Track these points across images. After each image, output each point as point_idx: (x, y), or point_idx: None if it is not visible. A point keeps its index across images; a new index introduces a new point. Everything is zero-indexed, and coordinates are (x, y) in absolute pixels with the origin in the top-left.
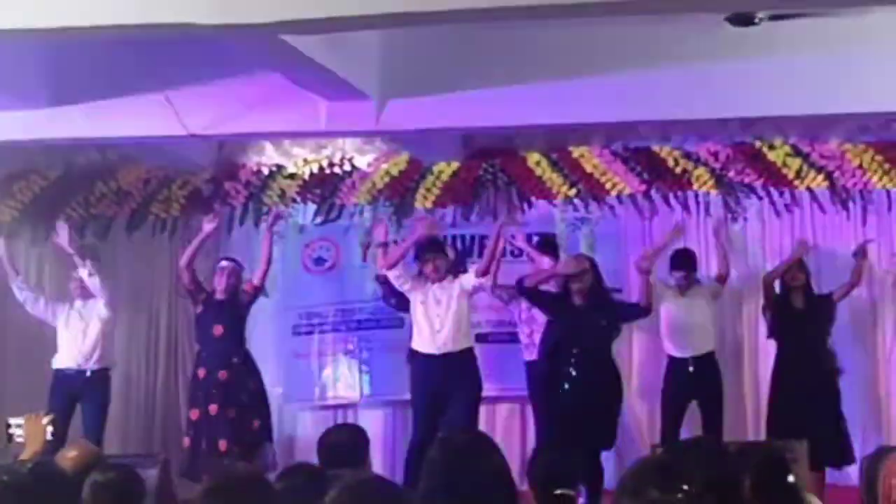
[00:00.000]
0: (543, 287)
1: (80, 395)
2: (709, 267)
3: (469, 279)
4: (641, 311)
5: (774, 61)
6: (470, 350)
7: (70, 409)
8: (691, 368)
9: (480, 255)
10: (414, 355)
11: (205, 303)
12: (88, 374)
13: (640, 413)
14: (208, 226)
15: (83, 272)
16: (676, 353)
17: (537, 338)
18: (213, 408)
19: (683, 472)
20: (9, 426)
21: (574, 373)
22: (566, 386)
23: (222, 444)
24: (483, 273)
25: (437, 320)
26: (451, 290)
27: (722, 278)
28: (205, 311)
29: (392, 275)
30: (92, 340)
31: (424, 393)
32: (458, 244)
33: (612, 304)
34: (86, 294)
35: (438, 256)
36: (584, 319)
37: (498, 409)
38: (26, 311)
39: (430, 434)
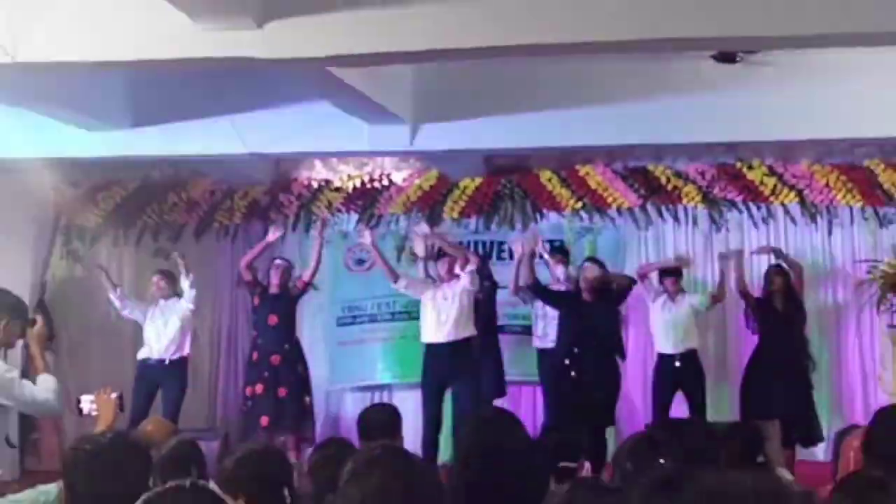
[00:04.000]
0: (555, 287)
1: (160, 381)
2: (694, 272)
3: (464, 279)
4: (632, 282)
5: (753, 93)
6: (472, 338)
7: (152, 394)
8: (677, 363)
9: (500, 257)
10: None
11: (261, 296)
12: (167, 363)
13: (634, 397)
14: (272, 236)
15: (185, 283)
16: (665, 350)
17: (549, 330)
18: (259, 387)
19: (668, 447)
20: (79, 401)
21: (581, 361)
22: (573, 373)
23: (264, 420)
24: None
25: (443, 314)
26: (455, 287)
27: (716, 299)
28: (261, 303)
29: (400, 286)
30: (171, 334)
31: (434, 376)
32: (480, 248)
33: (612, 295)
34: (166, 294)
35: (445, 258)
36: (593, 314)
37: (512, 391)
38: (108, 311)
39: (436, 412)
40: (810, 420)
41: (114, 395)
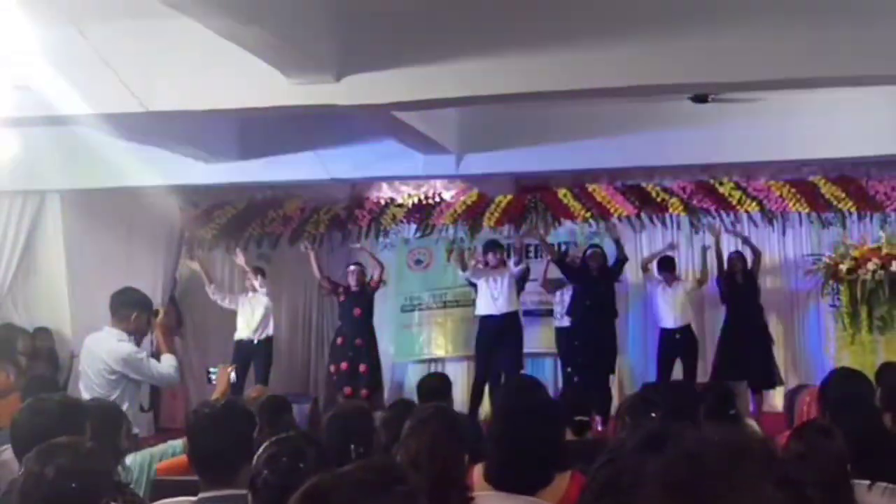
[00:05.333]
0: (572, 263)
1: (252, 356)
2: (679, 263)
3: (512, 269)
4: (622, 262)
5: (722, 126)
6: (516, 313)
7: (246, 366)
8: (678, 336)
9: (527, 255)
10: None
11: (346, 293)
12: (256, 342)
13: (634, 358)
14: (311, 252)
15: (256, 282)
16: (667, 325)
17: (565, 313)
18: (344, 365)
19: (658, 404)
20: (209, 372)
21: (587, 320)
22: (580, 335)
23: (348, 391)
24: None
25: (496, 292)
26: (504, 273)
27: (701, 282)
28: (347, 299)
29: (467, 274)
30: (258, 320)
31: (485, 342)
32: (511, 249)
33: (610, 270)
34: (254, 289)
35: (497, 251)
36: (597, 283)
37: (536, 361)
38: (209, 300)
39: (487, 372)
40: (771, 368)
41: (230, 370)
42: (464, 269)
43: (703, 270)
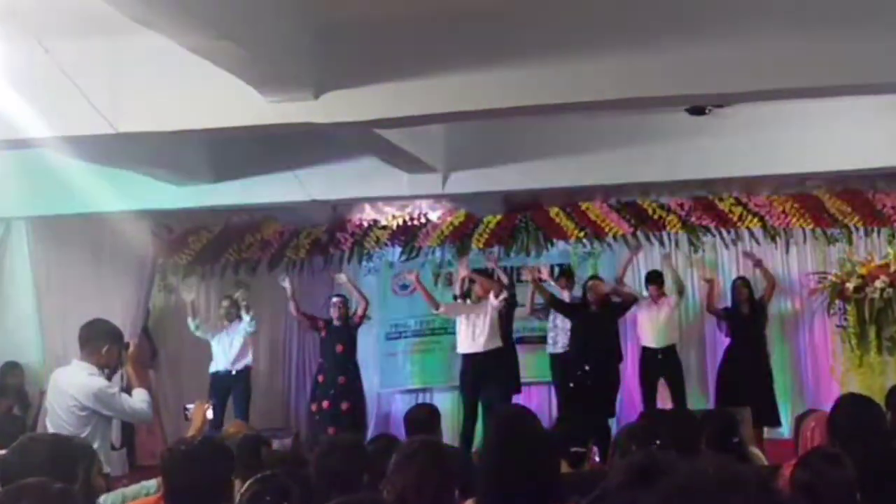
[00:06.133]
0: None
1: (230, 388)
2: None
3: (492, 301)
4: (635, 298)
5: (721, 139)
6: (501, 349)
7: (225, 400)
8: (660, 356)
9: (518, 279)
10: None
11: (327, 328)
12: (234, 373)
13: (632, 390)
14: (287, 285)
15: (246, 316)
16: (649, 345)
17: (559, 339)
18: (326, 403)
19: (659, 432)
20: (185, 408)
21: (589, 362)
22: (581, 372)
23: (331, 430)
24: (496, 296)
25: (477, 329)
26: (485, 307)
27: (680, 293)
28: (328, 335)
29: (441, 311)
30: (237, 349)
31: (470, 380)
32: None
33: (615, 307)
34: (231, 318)
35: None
36: (597, 321)
37: (529, 389)
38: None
39: (474, 409)
40: (771, 406)
41: (206, 406)
42: (437, 307)
43: (711, 293)
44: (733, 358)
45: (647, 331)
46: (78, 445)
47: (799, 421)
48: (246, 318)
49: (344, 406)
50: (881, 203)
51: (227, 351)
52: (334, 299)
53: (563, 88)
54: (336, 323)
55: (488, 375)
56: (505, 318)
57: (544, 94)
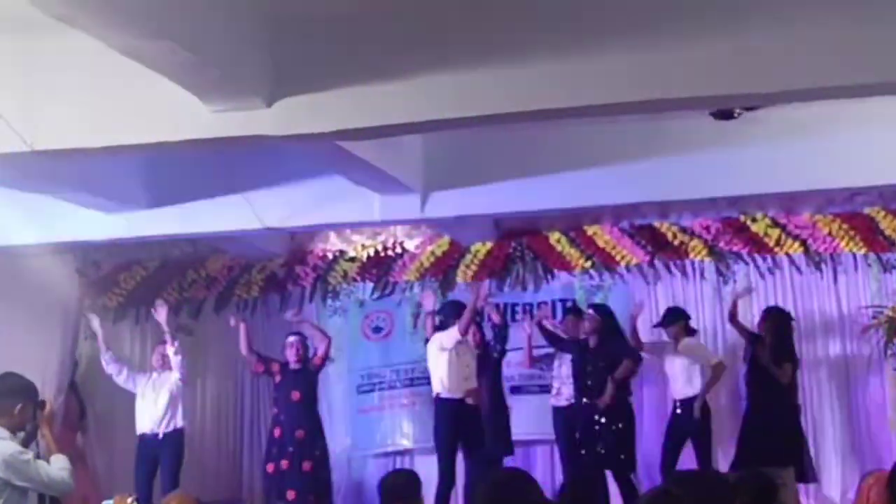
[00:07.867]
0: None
1: (158, 454)
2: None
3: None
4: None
5: (752, 148)
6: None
7: (153, 467)
8: (678, 411)
9: (513, 318)
10: (441, 401)
11: (282, 373)
12: (161, 436)
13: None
14: (241, 324)
15: (170, 349)
16: (674, 396)
17: (564, 390)
18: (284, 463)
19: (685, 500)
20: None
21: (595, 405)
22: (595, 427)
23: (291, 494)
24: (462, 332)
25: (465, 370)
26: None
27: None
28: (283, 379)
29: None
30: (162, 407)
31: (451, 432)
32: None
33: (620, 346)
34: (164, 366)
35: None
36: (600, 357)
37: (528, 449)
38: (116, 383)
39: (452, 467)
40: (802, 459)
41: (130, 500)
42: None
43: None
44: (755, 411)
45: (670, 380)
46: None
47: (862, 481)
48: (171, 355)
49: (306, 466)
50: None
51: (152, 409)
52: (290, 338)
53: (565, 90)
54: (293, 366)
55: (474, 426)
56: (494, 365)
57: (542, 97)
